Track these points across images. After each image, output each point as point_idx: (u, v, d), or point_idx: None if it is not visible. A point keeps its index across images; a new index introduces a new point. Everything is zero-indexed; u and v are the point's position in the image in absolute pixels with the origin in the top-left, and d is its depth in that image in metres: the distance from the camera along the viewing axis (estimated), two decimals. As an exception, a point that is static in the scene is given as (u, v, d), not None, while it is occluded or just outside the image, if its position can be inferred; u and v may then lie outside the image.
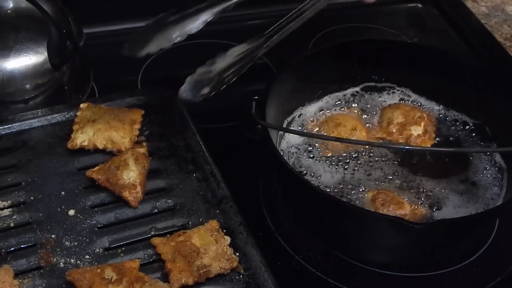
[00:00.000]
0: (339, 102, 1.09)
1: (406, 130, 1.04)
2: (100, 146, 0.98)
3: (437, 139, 1.05)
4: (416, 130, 1.04)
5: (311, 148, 1.02)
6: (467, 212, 0.94)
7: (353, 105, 1.09)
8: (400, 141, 1.04)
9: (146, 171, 0.95)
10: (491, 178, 0.99)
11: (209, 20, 0.98)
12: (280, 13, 1.42)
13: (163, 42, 0.99)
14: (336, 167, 1.00)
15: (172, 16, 0.99)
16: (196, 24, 0.98)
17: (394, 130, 1.04)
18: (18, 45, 1.05)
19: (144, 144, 1.00)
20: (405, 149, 1.04)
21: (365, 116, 1.08)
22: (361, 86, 1.10)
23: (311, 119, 1.06)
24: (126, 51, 0.99)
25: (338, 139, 0.98)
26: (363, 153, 1.01)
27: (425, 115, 1.06)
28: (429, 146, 1.04)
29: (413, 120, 1.05)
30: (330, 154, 1.01)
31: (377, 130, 1.06)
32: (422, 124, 1.05)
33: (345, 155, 1.01)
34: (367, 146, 1.02)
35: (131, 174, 0.93)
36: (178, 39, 0.99)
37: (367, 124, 1.06)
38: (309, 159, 1.00)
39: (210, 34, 1.35)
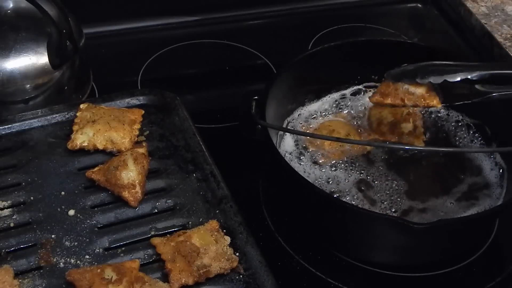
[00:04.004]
0: (330, 107, 1.09)
1: (397, 129, 1.04)
2: (100, 147, 0.98)
3: (429, 135, 1.06)
4: (407, 127, 1.04)
5: (302, 156, 1.01)
6: (471, 212, 0.94)
7: (345, 110, 1.09)
8: (393, 140, 1.04)
9: (146, 171, 0.95)
10: (494, 178, 0.99)
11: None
12: (279, 12, 1.44)
13: None
14: (319, 167, 1.00)
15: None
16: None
17: (385, 130, 1.04)
18: (18, 45, 1.05)
19: (144, 144, 1.00)
20: (405, 149, 1.04)
21: (357, 119, 1.08)
22: (361, 86, 1.11)
23: (303, 125, 1.06)
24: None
25: (338, 139, 0.98)
26: (359, 159, 1.02)
27: (411, 110, 1.06)
28: (421, 140, 1.04)
29: (402, 117, 1.05)
30: (322, 160, 1.01)
31: (368, 132, 1.06)
32: (411, 120, 1.05)
33: (335, 162, 1.01)
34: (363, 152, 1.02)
35: (130, 174, 0.93)
36: None
37: (359, 127, 1.06)
38: (298, 164, 1.00)
39: (210, 34, 1.35)
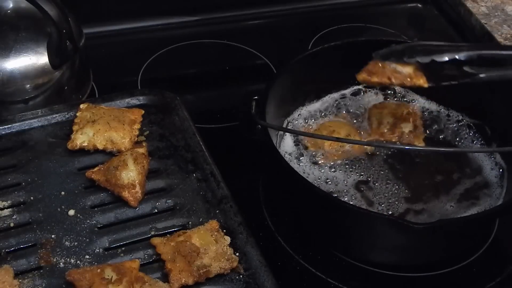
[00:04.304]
0: (330, 107, 1.09)
1: (397, 129, 1.04)
2: (100, 147, 0.98)
3: (429, 135, 1.06)
4: (407, 127, 1.04)
5: (302, 157, 1.01)
6: (471, 213, 0.94)
7: (345, 110, 1.09)
8: (393, 140, 1.04)
9: (146, 171, 0.95)
10: (494, 178, 0.99)
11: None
12: (279, 12, 1.44)
13: None
14: (319, 168, 1.00)
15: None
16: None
17: (385, 130, 1.05)
18: (18, 45, 1.05)
19: (144, 144, 1.00)
20: (405, 149, 1.04)
21: (357, 119, 1.08)
22: (361, 86, 1.10)
23: (303, 125, 1.06)
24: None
25: (338, 139, 0.98)
26: (358, 160, 1.01)
27: (411, 110, 1.06)
28: (421, 140, 1.05)
29: (402, 117, 1.05)
30: (322, 161, 1.01)
31: (368, 132, 1.06)
32: (411, 119, 1.05)
33: (334, 163, 1.01)
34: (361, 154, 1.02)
35: (130, 174, 0.93)
36: None
37: (359, 128, 1.06)
38: (297, 165, 1.00)
39: (210, 34, 1.35)
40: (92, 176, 0.94)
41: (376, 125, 1.05)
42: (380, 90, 1.11)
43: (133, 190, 0.92)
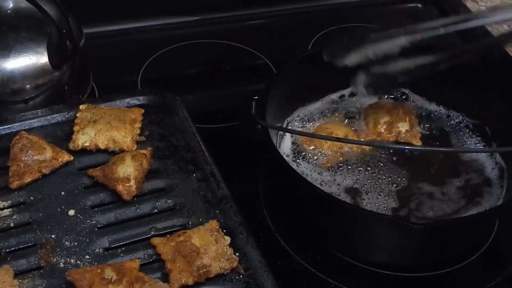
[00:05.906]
0: (329, 107, 1.09)
1: (394, 128, 1.04)
2: (102, 146, 0.98)
3: (429, 136, 1.06)
4: (403, 126, 1.04)
5: (300, 158, 1.01)
6: (471, 212, 0.94)
7: (343, 111, 1.09)
8: (391, 139, 1.04)
9: (145, 170, 0.95)
10: (495, 178, 0.99)
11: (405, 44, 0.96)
12: (279, 12, 1.44)
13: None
14: (317, 169, 1.00)
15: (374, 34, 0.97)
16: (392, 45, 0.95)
17: (382, 130, 1.05)
18: (18, 45, 1.05)
19: (149, 148, 0.99)
20: (405, 149, 1.04)
21: (355, 120, 1.08)
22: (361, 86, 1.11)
23: (303, 126, 1.06)
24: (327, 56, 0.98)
25: (338, 139, 0.98)
26: (356, 161, 1.01)
27: (406, 109, 1.06)
28: (418, 138, 1.05)
29: (398, 116, 1.05)
30: (320, 162, 1.00)
31: (366, 133, 1.06)
32: (407, 119, 1.05)
33: (332, 164, 1.00)
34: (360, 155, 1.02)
35: (126, 168, 0.93)
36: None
37: (356, 129, 1.06)
38: (296, 166, 1.00)
39: (210, 34, 1.35)
40: (92, 173, 0.94)
41: (372, 125, 1.05)
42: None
43: (127, 184, 0.92)
